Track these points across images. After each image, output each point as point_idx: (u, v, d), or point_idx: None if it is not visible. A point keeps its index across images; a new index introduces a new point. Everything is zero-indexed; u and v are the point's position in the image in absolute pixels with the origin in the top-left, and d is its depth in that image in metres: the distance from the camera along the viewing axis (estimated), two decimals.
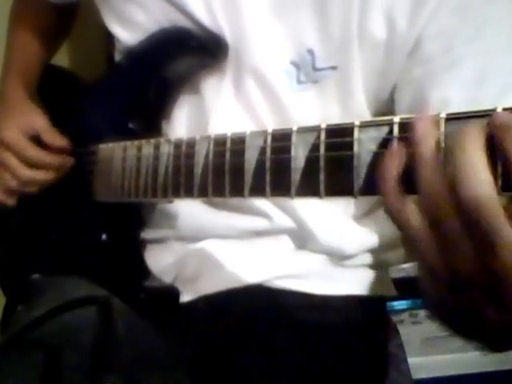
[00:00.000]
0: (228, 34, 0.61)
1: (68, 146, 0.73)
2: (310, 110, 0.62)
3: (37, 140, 0.72)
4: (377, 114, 0.63)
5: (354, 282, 0.71)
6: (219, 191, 0.48)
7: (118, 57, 0.73)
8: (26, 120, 0.73)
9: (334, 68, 0.59)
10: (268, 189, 0.43)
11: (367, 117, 0.62)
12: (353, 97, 0.61)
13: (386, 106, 0.62)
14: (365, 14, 0.56)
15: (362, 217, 0.70)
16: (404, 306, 1.29)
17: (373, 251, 0.71)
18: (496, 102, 0.32)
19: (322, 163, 0.39)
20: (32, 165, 0.72)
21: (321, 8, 0.57)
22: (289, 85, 0.61)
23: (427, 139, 0.33)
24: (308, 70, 0.60)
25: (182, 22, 0.63)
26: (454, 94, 0.51)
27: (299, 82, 0.61)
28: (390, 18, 0.56)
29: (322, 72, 0.60)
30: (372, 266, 0.72)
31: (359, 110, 0.62)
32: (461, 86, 0.51)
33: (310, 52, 0.59)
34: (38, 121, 0.73)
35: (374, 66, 0.59)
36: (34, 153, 0.71)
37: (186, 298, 0.69)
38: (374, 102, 0.62)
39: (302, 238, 0.69)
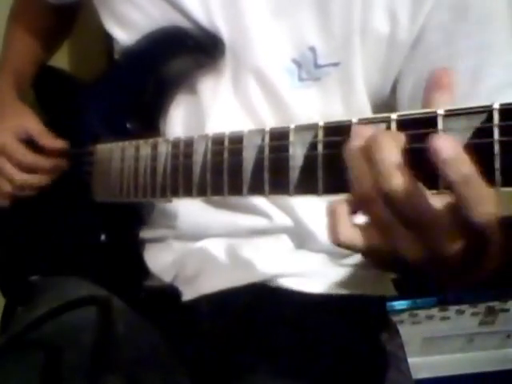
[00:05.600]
0: (226, 33, 0.61)
1: (63, 146, 0.73)
2: (312, 107, 0.62)
3: (30, 143, 0.72)
4: (377, 109, 0.63)
5: (354, 281, 0.71)
6: (218, 190, 0.48)
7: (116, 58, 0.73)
8: (19, 123, 0.73)
9: (335, 65, 0.59)
10: (266, 187, 0.43)
11: (368, 113, 0.62)
12: (355, 93, 0.61)
13: (387, 102, 0.62)
14: (367, 9, 0.56)
15: (360, 216, 0.70)
16: (404, 306, 1.28)
17: None
18: (491, 97, 0.32)
19: (320, 161, 0.39)
20: (26, 169, 0.72)
21: (322, 5, 0.57)
22: (290, 83, 0.61)
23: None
24: (310, 67, 0.60)
25: (180, 21, 0.63)
26: None
27: (301, 79, 0.61)
28: (392, 12, 0.56)
29: (324, 69, 0.60)
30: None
31: (361, 106, 0.62)
32: (457, 80, 0.51)
33: (312, 49, 0.59)
34: (31, 123, 0.73)
35: (375, 61, 0.59)
36: (27, 156, 0.72)
37: (185, 297, 0.69)
38: (375, 98, 0.62)
39: (302, 237, 0.69)
